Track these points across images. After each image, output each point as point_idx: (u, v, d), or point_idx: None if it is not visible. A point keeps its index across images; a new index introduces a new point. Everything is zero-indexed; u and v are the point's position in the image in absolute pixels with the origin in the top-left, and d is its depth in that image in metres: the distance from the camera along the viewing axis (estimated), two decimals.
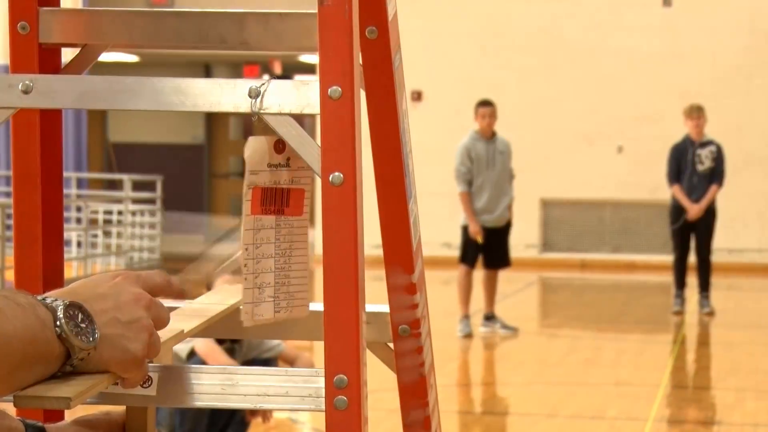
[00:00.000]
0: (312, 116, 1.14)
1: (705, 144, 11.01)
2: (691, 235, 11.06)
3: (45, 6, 1.25)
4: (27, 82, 1.12)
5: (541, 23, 16.33)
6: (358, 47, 1.14)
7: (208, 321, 1.29)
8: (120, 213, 15.68)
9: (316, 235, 7.64)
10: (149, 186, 16.57)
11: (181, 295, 1.18)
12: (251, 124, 1.11)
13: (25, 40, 1.25)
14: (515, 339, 9.98)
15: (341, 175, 1.08)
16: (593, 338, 10.23)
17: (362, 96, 1.22)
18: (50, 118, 1.30)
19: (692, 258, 11.23)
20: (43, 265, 1.29)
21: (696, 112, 11.04)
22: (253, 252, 1.17)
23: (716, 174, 10.92)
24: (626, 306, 13.24)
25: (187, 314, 1.29)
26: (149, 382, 1.09)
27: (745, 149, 14.92)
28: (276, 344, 4.97)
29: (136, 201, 16.27)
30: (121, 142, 21.26)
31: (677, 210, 11.03)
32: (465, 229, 9.67)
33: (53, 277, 1.29)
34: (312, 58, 15.63)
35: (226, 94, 1.12)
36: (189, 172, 20.35)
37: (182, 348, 4.63)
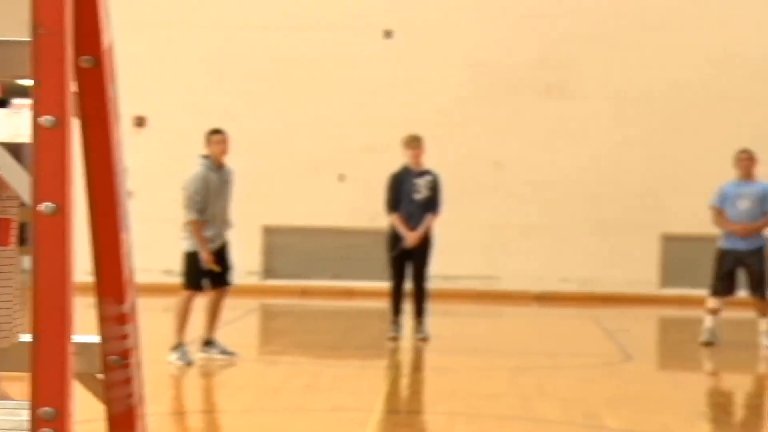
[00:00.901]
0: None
1: (423, 173, 11.27)
2: (408, 262, 11.34)
3: None
4: None
5: (269, 52, 16.46)
6: (72, 76, 1.13)
7: None
8: None
9: None
10: None
11: None
12: None
13: None
14: (235, 366, 9.95)
15: (54, 205, 1.06)
16: (313, 364, 10.33)
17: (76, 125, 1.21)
18: None
19: (410, 285, 11.53)
20: None
21: (414, 142, 11.27)
22: None
23: (433, 203, 11.23)
24: (346, 332, 13.48)
25: None
26: None
27: (462, 179, 15.59)
28: None
29: None
30: None
31: (395, 237, 11.25)
32: (189, 256, 9.51)
33: None
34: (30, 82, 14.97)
35: None
36: None
37: None
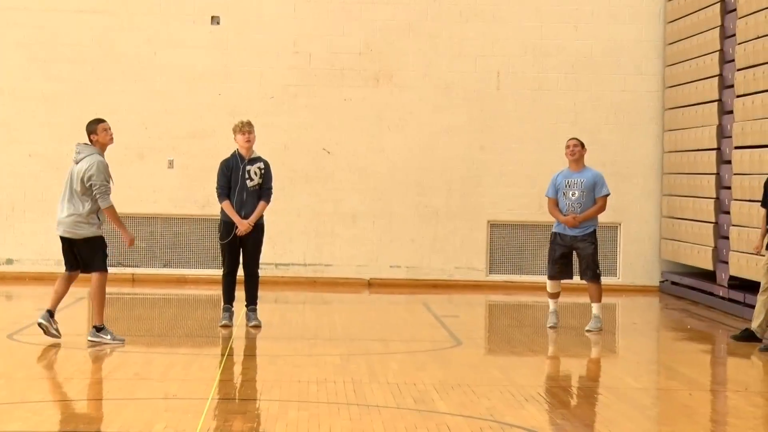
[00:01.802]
0: None
1: (253, 160, 11.18)
2: (240, 249, 11.25)
3: None
4: None
5: (93, 35, 16.07)
6: None
7: None
8: None
9: None
10: None
11: None
12: None
13: None
14: (62, 355, 9.72)
15: None
16: (143, 353, 10.19)
17: None
18: None
19: (242, 272, 11.48)
20: None
21: (246, 127, 11.05)
22: None
23: (264, 190, 11.19)
24: (176, 320, 13.34)
25: None
26: None
27: (290, 166, 15.61)
28: None
29: None
30: None
31: (227, 225, 11.16)
32: (99, 239, 10.10)
33: None
34: None
35: None
36: None
37: None
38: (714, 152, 14.43)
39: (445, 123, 16.52)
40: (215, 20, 16.30)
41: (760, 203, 11.21)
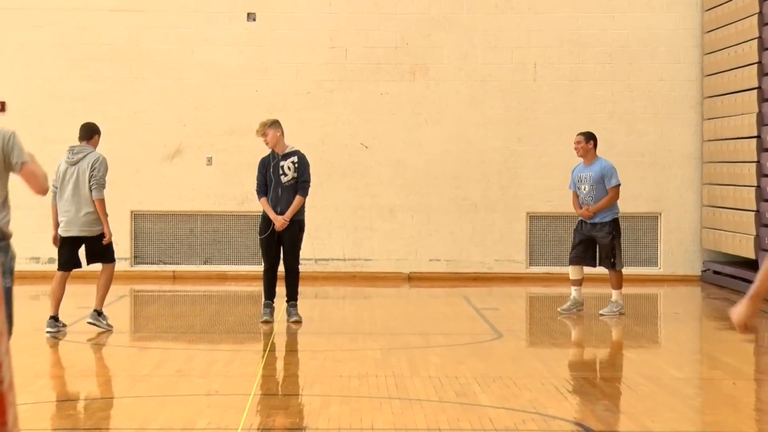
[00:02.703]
0: None
1: (287, 155, 11.23)
2: (280, 245, 11.29)
3: None
4: None
5: (129, 34, 16.18)
6: None
7: None
8: None
9: None
10: None
11: None
12: None
13: None
14: (105, 353, 9.82)
15: None
16: (184, 350, 10.25)
17: None
18: None
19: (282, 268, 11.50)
20: None
21: (260, 129, 11.11)
22: None
23: (299, 183, 11.21)
24: (217, 316, 13.41)
25: None
26: None
27: (327, 161, 15.63)
28: None
29: None
30: None
31: (265, 221, 11.21)
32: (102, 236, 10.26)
33: None
34: None
35: None
36: None
37: None
38: (754, 140, 14.28)
39: (482, 115, 16.48)
40: (251, 17, 16.35)
41: None
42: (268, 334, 10.94)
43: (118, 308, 12.53)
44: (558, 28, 16.41)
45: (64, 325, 10.17)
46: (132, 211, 16.16)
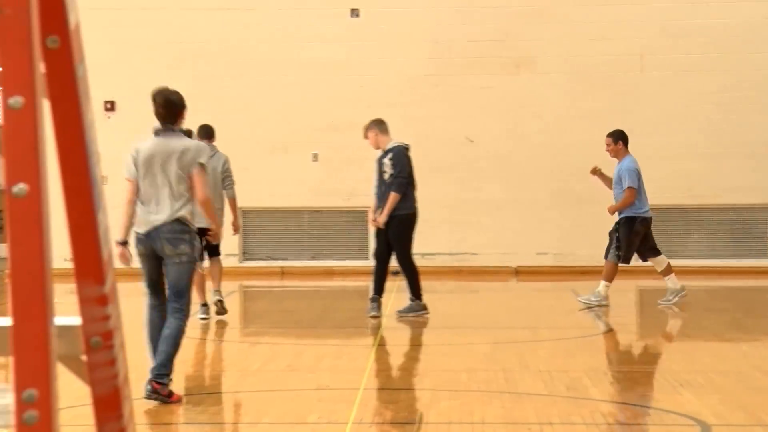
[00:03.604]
0: None
1: (386, 152, 11.27)
2: (387, 241, 11.33)
3: None
4: None
5: (230, 33, 16.40)
6: (39, 56, 1.12)
7: None
8: None
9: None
10: None
11: None
12: None
13: None
14: (215, 348, 9.99)
15: (26, 187, 1.05)
16: (294, 344, 10.36)
17: (46, 106, 1.19)
18: None
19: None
20: None
21: (363, 131, 11.42)
22: None
23: (392, 179, 11.22)
24: (325, 311, 13.49)
25: None
26: None
27: (431, 156, 15.59)
28: None
29: None
30: None
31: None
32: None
33: None
34: None
35: None
36: None
37: None
38: None
39: (586, 107, 16.26)
40: (354, 13, 16.43)
41: None
42: (376, 329, 10.97)
43: (228, 304, 12.73)
44: (663, 18, 16.10)
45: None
46: (240, 208, 16.39)
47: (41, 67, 1.15)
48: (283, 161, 16.36)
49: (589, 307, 11.80)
